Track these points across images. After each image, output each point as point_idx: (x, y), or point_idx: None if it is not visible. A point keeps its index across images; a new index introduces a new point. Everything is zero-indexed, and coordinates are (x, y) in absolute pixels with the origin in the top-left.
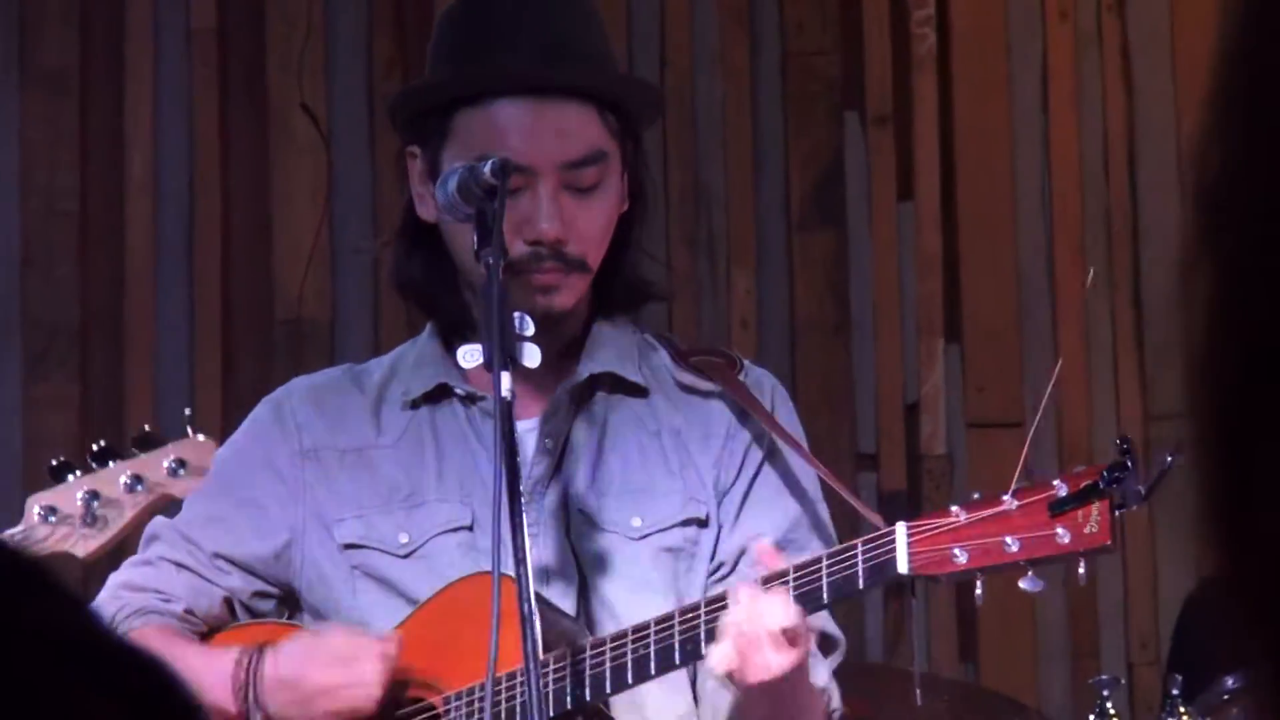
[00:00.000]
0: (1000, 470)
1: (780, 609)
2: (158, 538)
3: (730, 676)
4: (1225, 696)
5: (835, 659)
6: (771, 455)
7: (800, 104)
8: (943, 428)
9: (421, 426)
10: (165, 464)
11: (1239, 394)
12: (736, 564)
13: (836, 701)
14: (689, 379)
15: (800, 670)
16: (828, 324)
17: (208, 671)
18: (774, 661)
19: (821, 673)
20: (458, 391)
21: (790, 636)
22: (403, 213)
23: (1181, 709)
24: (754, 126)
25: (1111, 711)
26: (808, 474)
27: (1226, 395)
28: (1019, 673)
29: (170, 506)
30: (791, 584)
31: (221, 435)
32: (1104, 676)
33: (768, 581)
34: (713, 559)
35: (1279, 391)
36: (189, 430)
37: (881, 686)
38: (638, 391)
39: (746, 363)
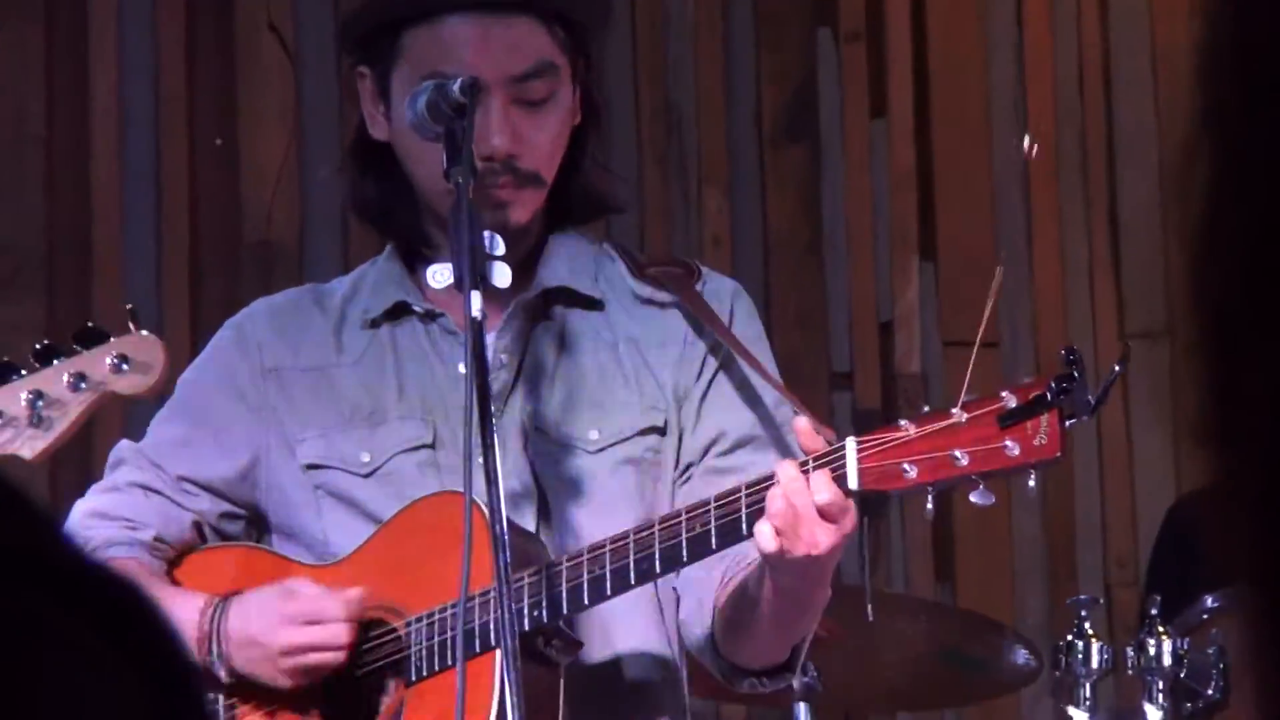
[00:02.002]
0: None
1: (823, 485)
2: (123, 462)
3: (777, 556)
4: (1204, 616)
5: None
6: (729, 362)
7: (772, 20)
8: (917, 346)
9: (382, 345)
10: (108, 360)
11: (1238, 282)
12: (701, 461)
13: None
14: (647, 291)
15: (836, 556)
16: (801, 241)
17: (169, 615)
18: (821, 537)
19: None
20: (416, 309)
21: (833, 513)
22: (355, 133)
23: (1160, 629)
24: (725, 43)
25: (1090, 632)
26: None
27: (1224, 283)
28: (996, 593)
29: (115, 403)
30: (713, 514)
31: (190, 358)
32: (1082, 596)
33: (803, 464)
34: (677, 465)
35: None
36: (131, 325)
37: (858, 608)
38: (593, 305)
39: (707, 271)
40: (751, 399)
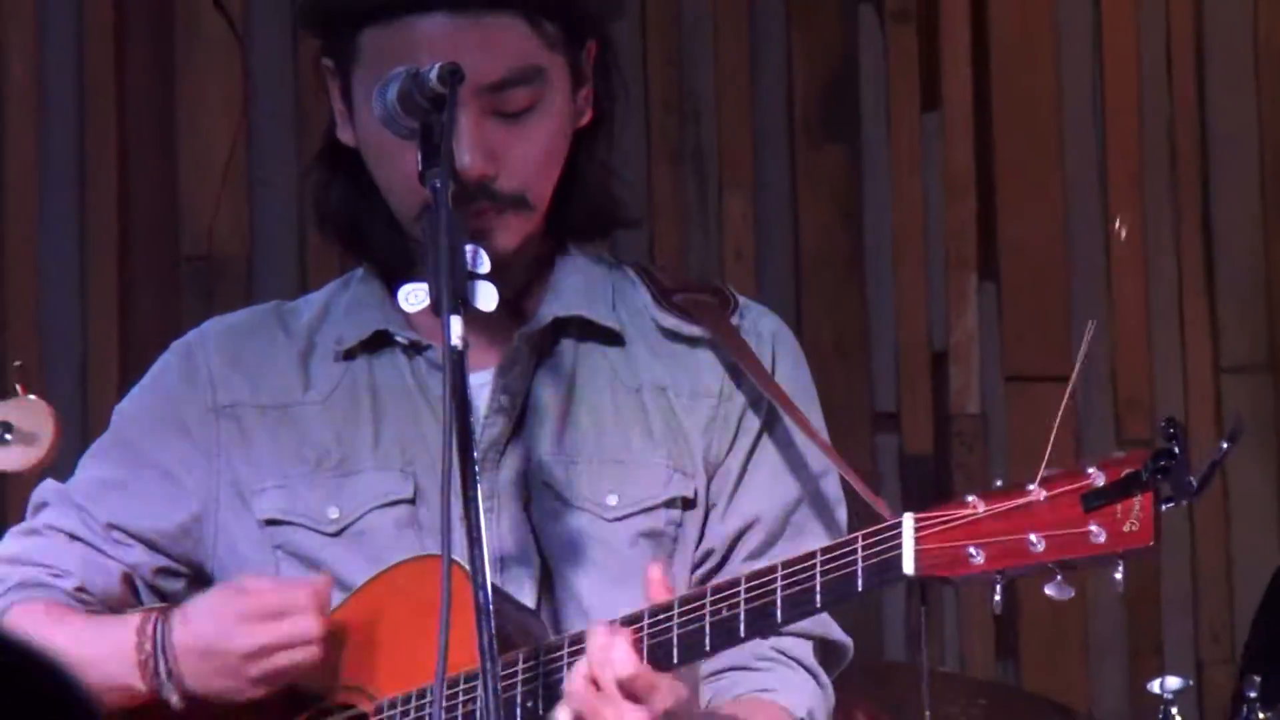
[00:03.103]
0: (1044, 433)
1: (623, 657)
2: (46, 505)
3: None
4: None
5: (837, 669)
6: (772, 421)
7: None
8: (976, 381)
9: (357, 381)
10: None
11: None
12: (729, 554)
13: None
14: (672, 322)
15: None
16: (839, 257)
17: (102, 642)
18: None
19: (802, 699)
20: (399, 340)
21: (632, 691)
22: (325, 133)
23: (1261, 716)
24: (751, 21)
25: (1177, 718)
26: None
27: None
28: (1067, 673)
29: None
30: (743, 599)
31: (118, 390)
32: (1168, 677)
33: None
34: (699, 545)
35: None
36: (18, 388)
37: (903, 689)
38: (611, 338)
39: (743, 300)
40: (795, 470)
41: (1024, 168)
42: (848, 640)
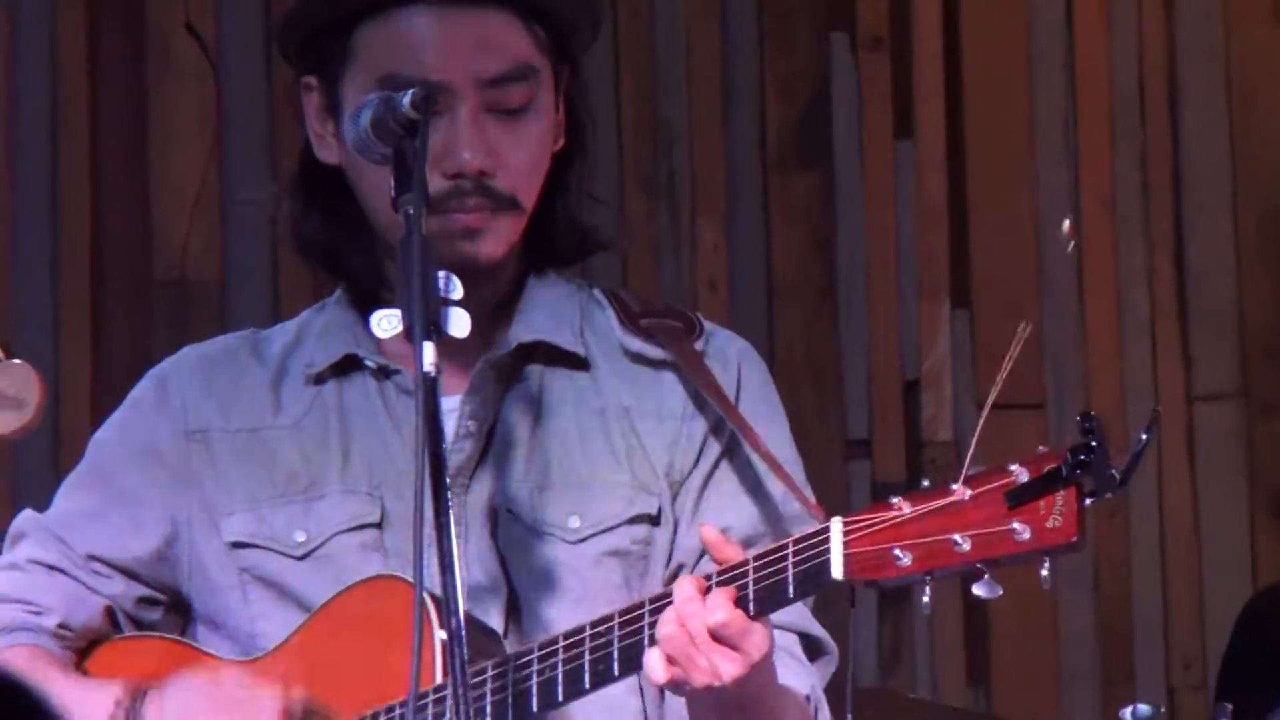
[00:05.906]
0: (1016, 460)
1: (719, 605)
2: (25, 536)
3: (675, 686)
4: None
5: (825, 666)
6: (735, 441)
7: (779, 21)
8: (949, 408)
9: (326, 405)
10: None
11: None
12: (698, 565)
13: (826, 714)
14: (638, 346)
15: (762, 678)
16: (811, 285)
17: (80, 709)
18: (722, 666)
19: (804, 679)
20: (368, 364)
21: (729, 637)
22: (299, 157)
23: None
24: (723, 48)
25: None
26: (785, 458)
27: None
28: (1038, 699)
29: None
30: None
31: (91, 415)
32: (1140, 705)
33: (718, 577)
34: (669, 561)
35: None
36: (1, 353)
37: (875, 715)
38: (577, 363)
39: (709, 326)
40: (760, 488)
41: (997, 196)
42: (828, 637)
